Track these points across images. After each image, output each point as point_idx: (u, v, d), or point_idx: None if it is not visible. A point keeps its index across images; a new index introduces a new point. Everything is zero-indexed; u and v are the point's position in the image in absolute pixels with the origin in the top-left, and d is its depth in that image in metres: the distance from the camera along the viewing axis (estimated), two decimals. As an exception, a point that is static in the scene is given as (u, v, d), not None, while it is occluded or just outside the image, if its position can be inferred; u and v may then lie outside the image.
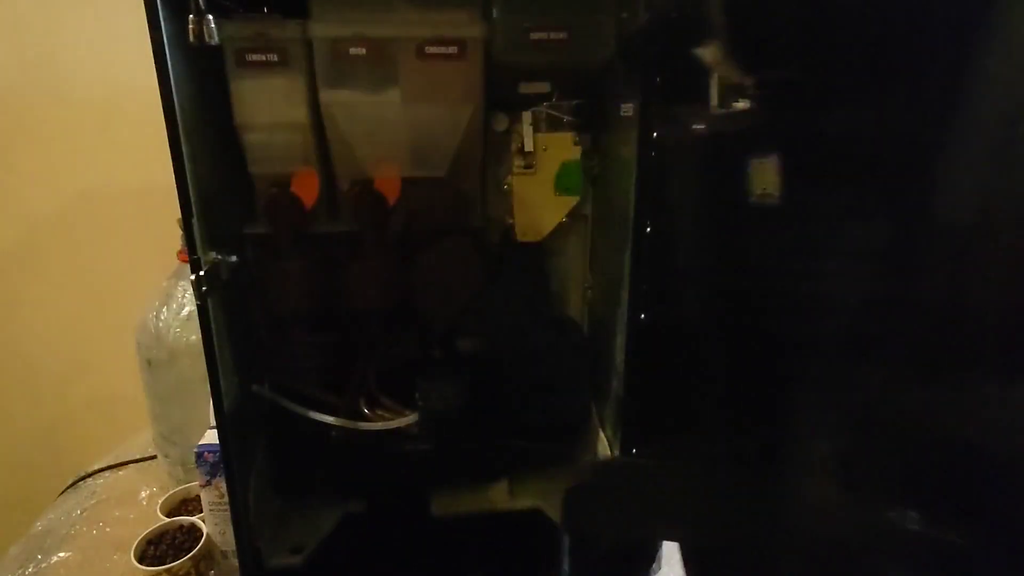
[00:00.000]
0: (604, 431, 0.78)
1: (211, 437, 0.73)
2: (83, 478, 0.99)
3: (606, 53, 0.65)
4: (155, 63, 0.53)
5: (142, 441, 1.03)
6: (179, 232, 0.75)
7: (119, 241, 1.16)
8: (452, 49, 0.63)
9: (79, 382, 1.22)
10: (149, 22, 0.52)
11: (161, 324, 0.85)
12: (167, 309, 0.86)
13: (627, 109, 0.65)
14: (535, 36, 0.63)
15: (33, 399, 1.22)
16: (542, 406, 0.78)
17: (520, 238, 0.75)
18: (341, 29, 0.61)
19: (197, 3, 0.52)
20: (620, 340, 0.70)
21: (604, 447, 0.76)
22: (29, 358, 1.20)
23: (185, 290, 0.86)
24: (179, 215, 0.57)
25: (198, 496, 0.78)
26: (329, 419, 0.72)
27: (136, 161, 1.10)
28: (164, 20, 0.52)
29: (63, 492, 0.97)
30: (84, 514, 0.90)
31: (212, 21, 0.53)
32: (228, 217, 0.67)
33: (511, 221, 0.75)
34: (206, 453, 0.72)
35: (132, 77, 1.05)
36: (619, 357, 0.71)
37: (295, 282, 0.70)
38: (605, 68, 0.67)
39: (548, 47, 0.64)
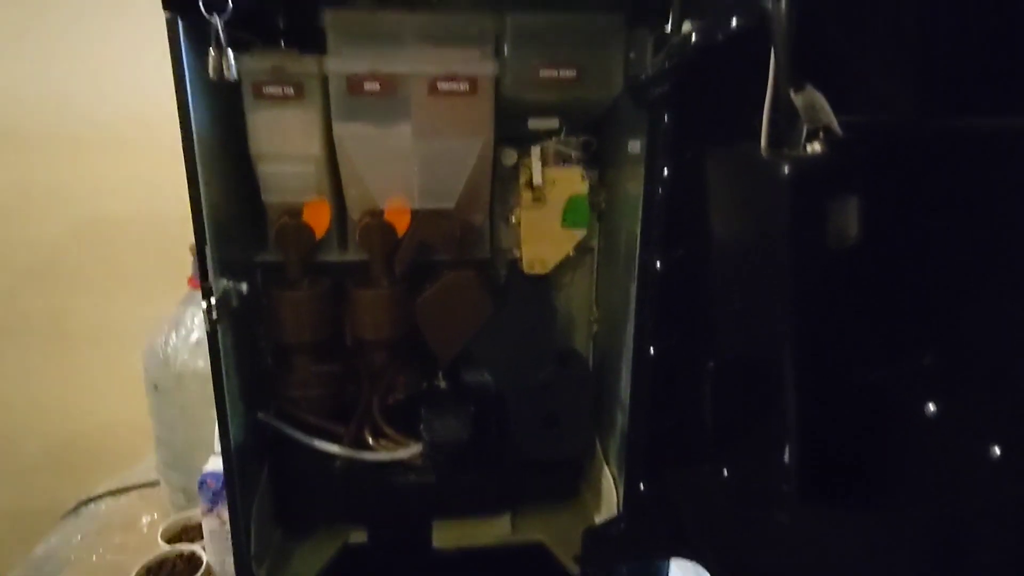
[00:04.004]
0: (608, 466, 0.77)
1: (214, 464, 0.73)
2: (85, 503, 0.98)
3: (614, 91, 0.67)
4: (176, 95, 0.54)
5: (145, 466, 1.02)
6: (190, 258, 0.76)
7: (131, 266, 1.18)
8: (463, 85, 0.64)
9: (86, 405, 1.23)
10: (172, 56, 0.53)
11: (170, 349, 0.85)
12: (176, 334, 0.86)
13: (634, 146, 0.66)
14: (544, 74, 0.65)
15: (39, 421, 1.22)
16: (546, 439, 0.77)
17: (527, 270, 0.75)
18: (356, 65, 0.63)
19: (218, 38, 0.54)
20: (625, 373, 0.70)
21: (608, 482, 0.76)
22: (36, 380, 1.21)
23: (194, 316, 0.87)
24: (191, 241, 0.58)
25: (199, 524, 0.78)
26: (333, 448, 0.72)
27: (150, 187, 1.13)
28: (185, 53, 0.54)
29: (64, 516, 0.97)
30: (85, 539, 0.89)
31: (232, 56, 0.55)
32: (240, 245, 0.68)
33: (518, 253, 0.76)
34: (209, 480, 0.72)
35: (149, 105, 1.08)
36: (624, 391, 0.70)
37: (304, 310, 0.71)
38: (613, 105, 0.69)
39: (557, 85, 0.65)
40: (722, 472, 0.55)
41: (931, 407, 0.34)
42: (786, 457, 0.38)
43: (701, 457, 0.61)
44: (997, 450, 0.30)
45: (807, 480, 0.38)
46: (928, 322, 0.35)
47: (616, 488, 0.74)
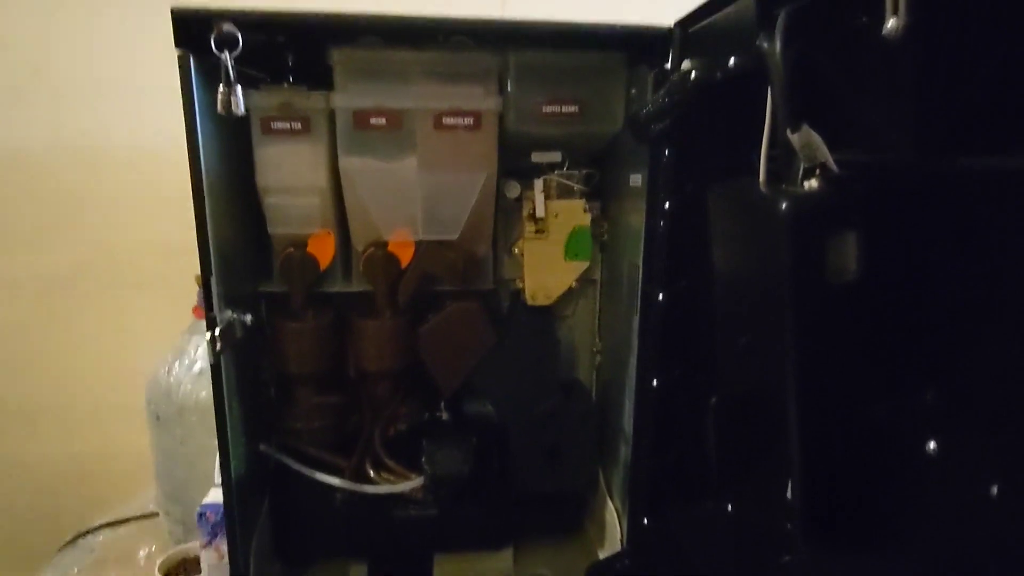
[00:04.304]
0: (612, 499, 0.76)
1: (214, 496, 0.72)
2: (83, 534, 0.97)
3: (615, 126, 0.68)
4: (185, 129, 0.55)
5: (144, 498, 1.01)
6: (195, 288, 0.77)
7: (136, 295, 1.18)
8: (468, 120, 0.65)
9: (87, 435, 1.22)
10: (182, 91, 0.55)
11: (172, 379, 0.85)
12: (179, 364, 0.86)
13: (636, 179, 0.66)
14: (547, 110, 0.66)
15: (39, 451, 1.22)
16: (549, 471, 0.77)
17: (530, 301, 0.76)
18: (363, 100, 0.64)
19: (227, 76, 0.55)
20: (628, 406, 0.70)
21: (612, 516, 0.75)
22: (38, 409, 1.20)
23: (198, 346, 0.87)
24: (196, 271, 0.59)
25: (197, 557, 0.77)
26: (335, 481, 0.72)
27: (156, 218, 1.13)
28: (195, 88, 0.55)
29: (61, 548, 0.96)
30: (81, 572, 0.88)
31: (240, 92, 0.56)
32: (244, 276, 0.69)
33: (521, 284, 0.76)
34: (208, 512, 0.71)
35: (157, 137, 1.09)
36: (627, 423, 0.70)
37: (307, 341, 0.71)
38: (614, 139, 0.70)
39: (560, 120, 0.66)
40: (727, 508, 0.54)
41: (932, 444, 0.34)
42: (789, 494, 0.38)
43: (706, 492, 0.60)
44: (995, 489, 0.30)
45: (811, 518, 0.38)
46: (930, 358, 0.35)
47: (619, 522, 0.73)
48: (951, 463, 0.34)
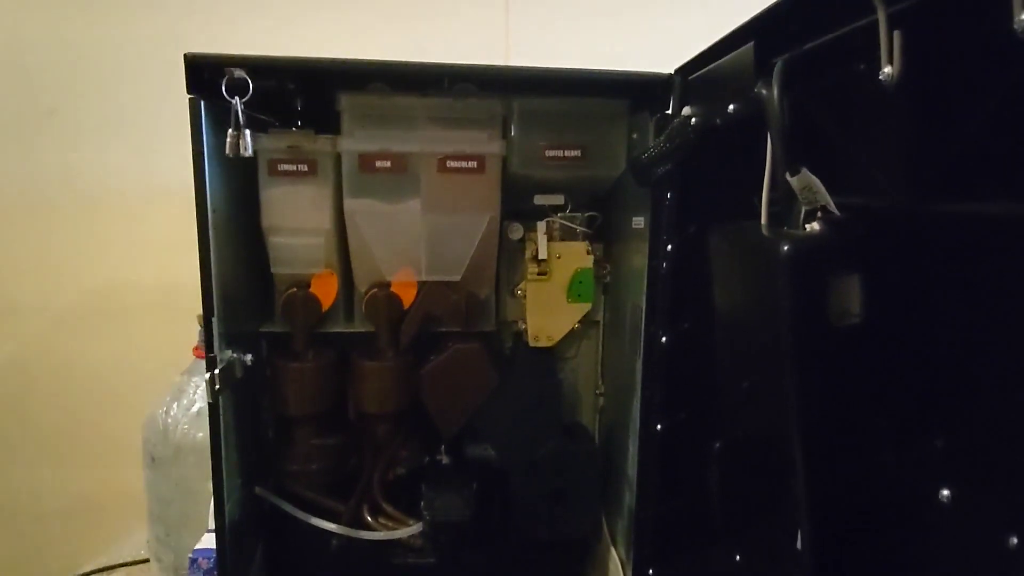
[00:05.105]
0: (616, 548, 0.74)
1: (207, 541, 0.70)
2: (70, 581, 0.95)
3: (617, 170, 0.69)
4: (194, 170, 0.56)
5: (136, 543, 0.99)
6: (196, 328, 0.77)
7: (137, 334, 1.18)
8: (472, 164, 0.66)
9: (80, 475, 1.20)
10: (192, 134, 0.55)
11: (170, 420, 0.85)
12: (177, 405, 0.86)
13: (638, 222, 0.67)
14: (550, 154, 0.67)
15: (30, 490, 1.19)
16: (551, 517, 0.75)
17: (532, 343, 0.75)
18: (369, 144, 0.65)
19: (237, 120, 0.56)
20: (632, 450, 0.69)
21: (616, 565, 0.73)
22: (32, 446, 1.19)
23: (197, 386, 0.86)
24: (198, 311, 0.58)
25: (188, 606, 0.74)
26: (331, 526, 0.70)
27: (160, 257, 1.14)
28: (205, 132, 0.56)
29: (48, 596, 0.93)
30: (67, 622, 0.85)
31: (249, 136, 0.57)
32: (246, 316, 0.69)
33: (524, 326, 0.76)
34: (200, 559, 0.69)
35: (165, 177, 1.11)
36: (631, 468, 0.69)
37: (308, 382, 0.70)
38: (617, 182, 0.71)
39: (562, 164, 0.67)
40: (735, 557, 0.53)
41: (945, 492, 0.33)
42: (799, 544, 0.37)
43: (713, 540, 0.58)
44: (1015, 539, 0.29)
45: (820, 569, 0.36)
46: (938, 404, 0.35)
47: (624, 572, 0.71)
48: (965, 512, 0.33)
